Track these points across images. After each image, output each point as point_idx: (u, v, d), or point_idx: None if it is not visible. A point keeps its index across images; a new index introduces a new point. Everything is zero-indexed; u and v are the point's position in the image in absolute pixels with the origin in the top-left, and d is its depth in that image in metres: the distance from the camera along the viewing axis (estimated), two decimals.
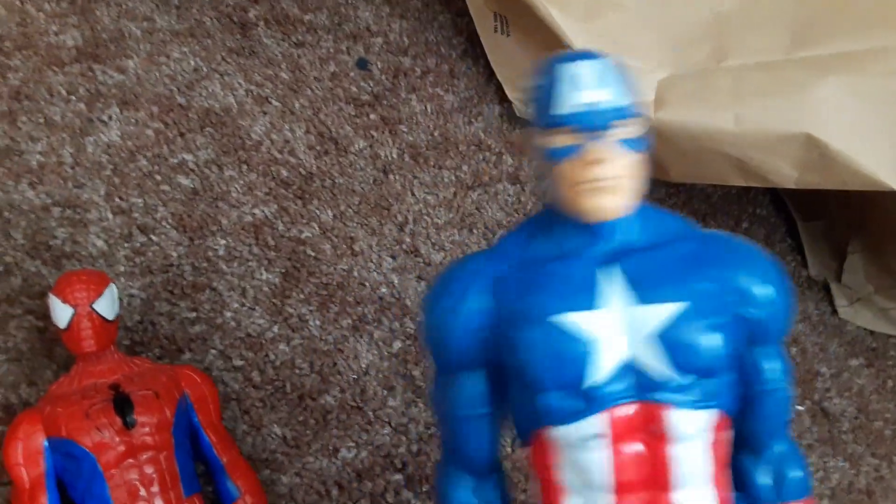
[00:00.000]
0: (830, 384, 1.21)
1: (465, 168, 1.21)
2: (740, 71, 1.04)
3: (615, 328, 0.50)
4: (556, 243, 0.53)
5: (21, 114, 0.99)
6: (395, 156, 1.16)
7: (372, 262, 1.06)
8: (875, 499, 1.12)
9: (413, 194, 1.14)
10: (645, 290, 0.50)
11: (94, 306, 0.77)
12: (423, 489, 0.94)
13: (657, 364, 0.50)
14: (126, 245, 0.95)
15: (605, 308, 0.50)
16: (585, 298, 0.51)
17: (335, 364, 0.98)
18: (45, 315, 0.87)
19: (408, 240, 1.10)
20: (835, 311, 1.30)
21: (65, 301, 0.77)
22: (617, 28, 1.11)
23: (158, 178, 1.00)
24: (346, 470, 0.92)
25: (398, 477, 0.93)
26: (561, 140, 0.50)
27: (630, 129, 0.50)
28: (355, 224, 1.08)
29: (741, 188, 1.33)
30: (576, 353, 0.50)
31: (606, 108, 0.49)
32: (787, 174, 1.02)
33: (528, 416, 0.53)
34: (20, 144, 0.97)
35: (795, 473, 0.57)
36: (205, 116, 1.07)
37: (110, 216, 0.96)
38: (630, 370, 0.50)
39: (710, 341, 0.50)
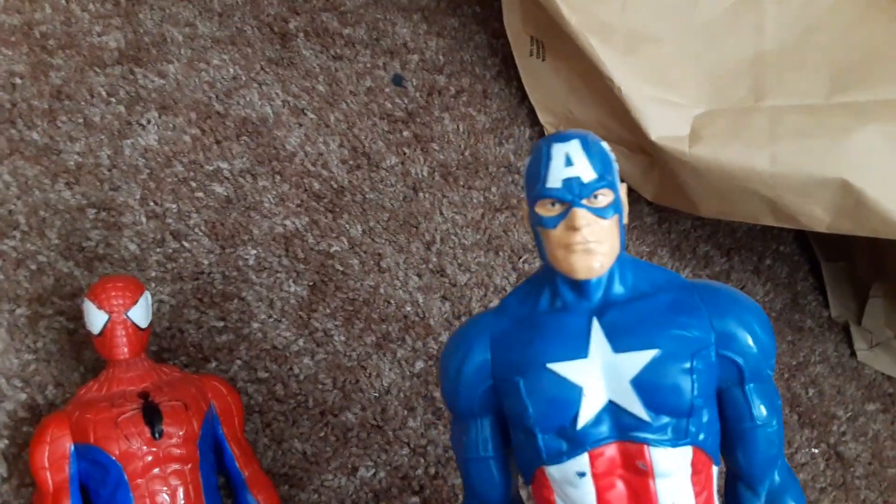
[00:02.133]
0: (846, 428, 1.21)
1: (493, 189, 1.21)
2: (778, 111, 1.04)
3: (596, 376, 0.56)
4: (549, 300, 0.60)
5: (61, 113, 0.99)
6: (425, 174, 1.17)
7: (398, 279, 1.06)
8: None
9: (441, 213, 1.15)
10: (620, 340, 0.57)
11: (129, 314, 0.78)
12: None
13: (633, 407, 0.56)
14: (158, 250, 0.95)
15: (589, 357, 0.57)
16: (574, 349, 0.57)
17: (357, 381, 0.98)
18: (76, 317, 0.87)
19: (434, 259, 1.10)
20: (853, 354, 1.30)
21: (100, 307, 0.77)
22: (656, 62, 1.11)
23: (193, 184, 1.00)
24: (364, 489, 0.92)
25: (415, 500, 0.93)
26: (547, 210, 0.58)
27: (607, 199, 0.58)
28: (383, 240, 1.08)
29: (766, 226, 1.33)
30: (567, 398, 0.56)
31: (584, 182, 0.57)
32: (819, 218, 1.02)
33: (527, 456, 0.59)
34: (59, 144, 0.97)
35: (791, 502, 0.60)
36: (241, 125, 1.07)
37: (144, 220, 0.96)
38: (610, 413, 0.56)
39: (681, 384, 0.55)
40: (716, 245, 1.33)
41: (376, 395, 0.98)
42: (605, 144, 0.60)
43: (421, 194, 1.15)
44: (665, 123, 1.10)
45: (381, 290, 1.05)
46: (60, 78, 1.02)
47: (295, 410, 0.93)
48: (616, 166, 0.60)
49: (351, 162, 1.12)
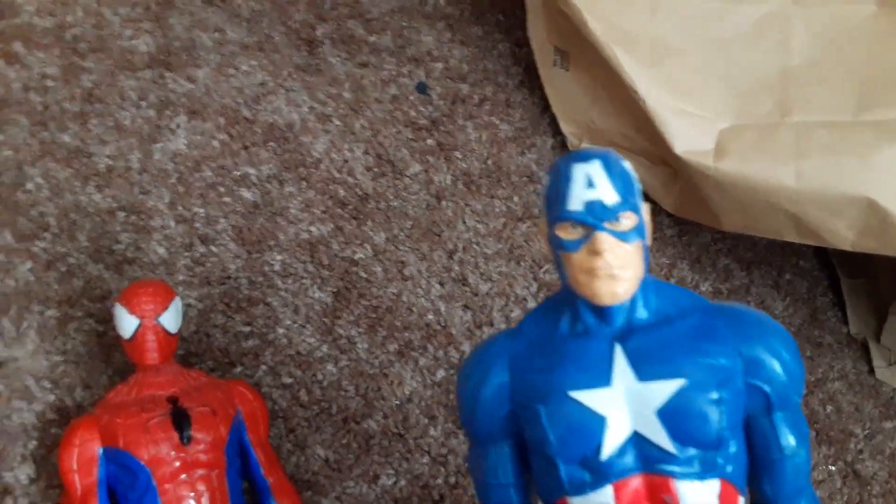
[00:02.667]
0: (863, 446, 1.21)
1: (515, 199, 1.21)
2: (805, 127, 1.04)
3: (620, 405, 0.55)
4: (570, 323, 0.58)
5: (92, 116, 1.00)
6: (448, 182, 1.17)
7: (421, 287, 1.07)
8: None
9: (464, 222, 1.15)
10: (645, 369, 0.55)
11: (160, 320, 0.78)
12: None
13: (659, 438, 0.54)
14: (186, 254, 0.96)
15: (613, 386, 0.55)
16: (597, 377, 0.55)
17: (380, 389, 0.98)
18: (105, 319, 0.88)
19: (456, 268, 1.11)
20: (872, 371, 1.29)
21: (132, 312, 0.78)
22: (681, 74, 1.11)
23: (222, 189, 1.01)
24: (385, 498, 0.92)
25: None
26: (568, 234, 0.56)
27: (630, 222, 0.56)
28: (406, 248, 1.09)
29: (788, 241, 1.32)
30: (590, 428, 0.54)
31: (606, 205, 0.55)
32: (843, 236, 1.02)
33: (548, 485, 0.57)
34: (90, 147, 0.98)
35: None
36: (269, 131, 1.08)
37: (173, 224, 0.97)
38: (635, 444, 0.55)
39: (709, 415, 0.54)
40: (736, 259, 1.33)
41: (398, 402, 0.98)
42: (627, 164, 0.58)
43: (444, 202, 1.15)
44: (690, 137, 1.10)
45: (404, 298, 1.05)
46: (92, 81, 1.03)
47: (318, 416, 0.94)
48: (639, 187, 0.59)
49: (375, 169, 1.13)
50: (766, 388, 0.56)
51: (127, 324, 0.78)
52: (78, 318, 0.88)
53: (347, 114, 1.15)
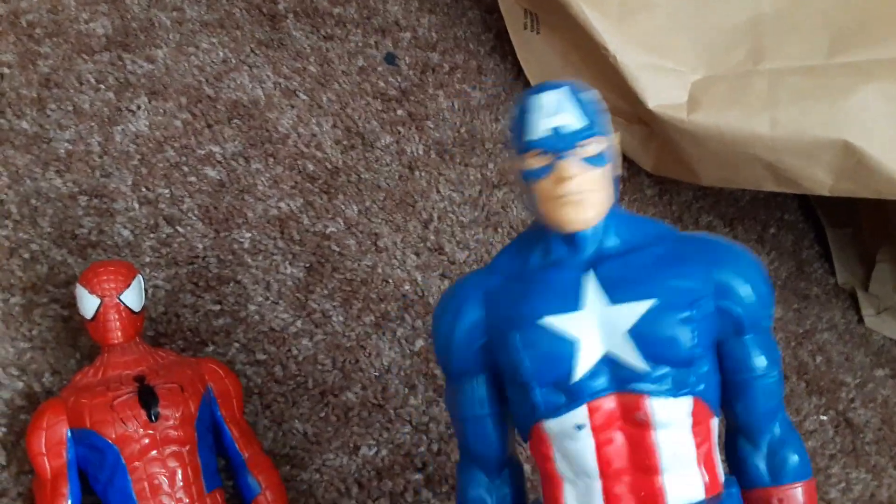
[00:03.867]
0: (855, 394, 1.20)
1: (490, 166, 1.19)
2: (777, 74, 1.02)
3: (593, 328, 0.55)
4: (541, 255, 0.59)
5: (50, 101, 0.98)
6: (421, 152, 1.15)
7: (396, 258, 1.05)
8: None
9: (438, 191, 1.13)
10: (616, 292, 0.56)
11: (122, 298, 0.77)
12: (443, 489, 0.93)
13: (632, 358, 0.55)
14: (152, 236, 0.94)
15: (584, 310, 0.56)
16: (568, 302, 0.56)
17: (357, 361, 0.97)
18: (71, 304, 0.86)
19: (432, 237, 1.09)
20: (861, 320, 1.28)
21: (92, 292, 0.77)
22: (651, 29, 1.09)
23: (185, 169, 1.00)
24: (367, 468, 0.91)
25: (418, 476, 0.93)
26: (534, 162, 0.56)
27: (594, 148, 0.56)
28: (380, 220, 1.07)
29: (769, 192, 1.31)
30: (562, 351, 0.55)
31: (570, 130, 0.55)
32: (821, 181, 1.00)
33: (524, 412, 0.58)
34: (48, 132, 0.96)
35: (792, 457, 0.59)
36: (233, 108, 1.06)
37: (137, 206, 0.96)
38: (608, 365, 0.55)
39: (680, 335, 0.55)
40: (718, 215, 1.31)
41: (377, 374, 0.97)
42: (594, 93, 0.58)
43: (417, 173, 1.14)
44: (662, 91, 1.08)
45: (379, 270, 1.04)
46: (48, 66, 1.01)
47: (294, 391, 0.93)
48: (606, 116, 0.58)
49: (345, 142, 1.11)
50: (737, 309, 0.56)
51: (88, 304, 0.77)
52: (43, 304, 0.87)
53: (314, 88, 1.13)
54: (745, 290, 0.57)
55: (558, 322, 0.56)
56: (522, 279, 0.59)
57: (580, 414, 0.55)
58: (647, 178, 1.27)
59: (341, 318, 0.99)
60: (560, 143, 0.55)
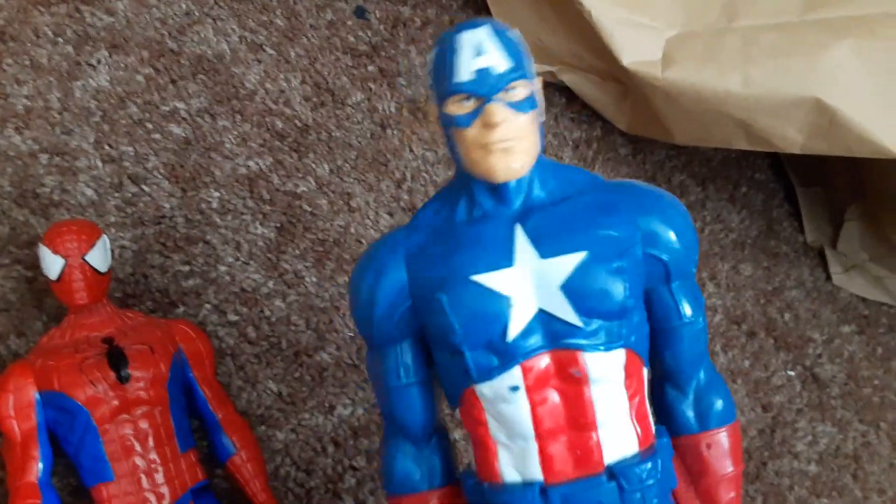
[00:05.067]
0: (822, 350, 1.22)
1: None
2: (751, 31, 1.01)
3: (524, 284, 0.53)
4: (466, 209, 0.56)
5: (6, 55, 0.94)
6: (393, 110, 1.13)
7: (369, 218, 1.04)
8: (861, 464, 1.14)
9: (411, 150, 1.12)
10: (546, 245, 0.54)
11: (86, 258, 0.75)
12: None
13: (565, 313, 0.53)
14: (116, 195, 0.92)
15: (515, 266, 0.53)
16: (499, 258, 0.54)
17: (331, 321, 0.96)
18: (35, 265, 0.84)
19: (405, 197, 1.08)
20: (829, 278, 1.30)
21: (55, 252, 0.75)
22: None
23: (149, 126, 0.97)
24: (342, 427, 0.91)
25: None
26: (458, 108, 0.53)
27: (521, 91, 0.53)
28: (352, 179, 1.06)
29: (741, 152, 1.31)
30: (495, 311, 0.53)
31: (498, 72, 0.52)
32: (793, 139, 1.01)
33: (453, 377, 0.56)
34: (5, 88, 0.93)
35: (717, 402, 0.59)
36: (197, 63, 1.03)
37: (100, 164, 0.93)
38: (541, 322, 0.53)
39: (612, 286, 0.53)
40: (691, 174, 1.31)
41: (351, 334, 0.96)
42: (517, 32, 0.55)
43: (389, 131, 1.12)
44: (637, 47, 1.07)
45: (352, 230, 1.03)
46: (3, 18, 0.96)
47: (268, 352, 0.92)
48: (530, 58, 0.55)
49: (314, 99, 1.09)
50: (664, 257, 0.56)
51: (52, 264, 0.75)
52: (5, 266, 0.84)
53: (281, 42, 1.10)
54: (671, 237, 0.56)
55: (489, 280, 0.53)
56: (448, 235, 0.55)
57: (514, 375, 0.53)
58: (620, 136, 1.27)
59: (314, 279, 0.97)
60: (487, 87, 0.51)
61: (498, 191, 0.55)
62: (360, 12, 1.18)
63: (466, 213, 0.56)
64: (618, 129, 1.23)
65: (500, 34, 0.53)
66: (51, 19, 0.99)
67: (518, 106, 0.53)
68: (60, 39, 0.97)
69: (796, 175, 1.34)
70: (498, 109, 0.51)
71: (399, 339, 0.57)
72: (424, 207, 0.58)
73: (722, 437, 0.59)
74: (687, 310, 0.57)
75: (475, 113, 0.52)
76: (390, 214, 1.06)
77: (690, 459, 0.59)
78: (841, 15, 0.99)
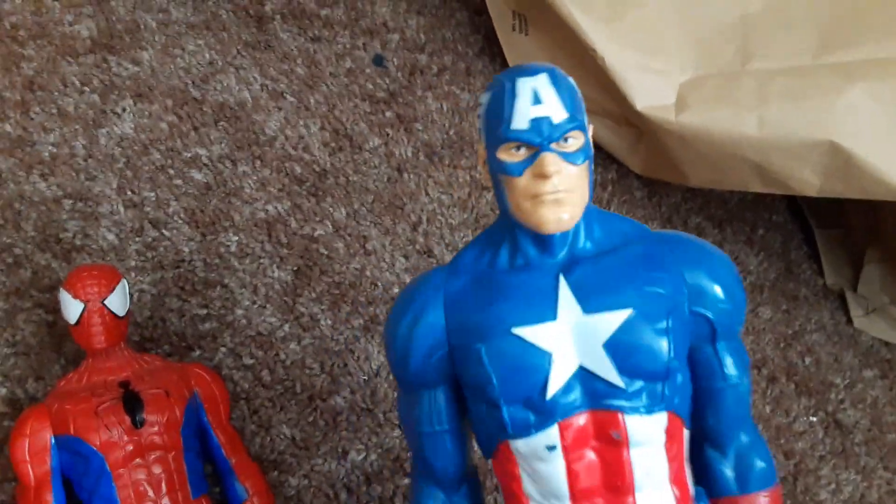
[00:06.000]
0: (844, 395, 1.20)
1: (480, 168, 1.19)
2: (766, 74, 1.02)
3: (566, 340, 0.51)
4: (509, 255, 0.55)
5: (34, 104, 0.97)
6: (409, 154, 1.15)
7: (385, 261, 1.05)
8: None
9: (427, 194, 1.13)
10: (591, 300, 0.52)
11: (106, 302, 0.76)
12: None
13: (606, 372, 0.51)
14: (137, 239, 0.94)
15: (558, 320, 0.52)
16: (541, 311, 0.52)
17: (346, 365, 0.96)
18: (55, 309, 0.85)
19: (421, 240, 1.09)
20: (850, 321, 1.28)
21: (76, 296, 0.76)
22: (639, 28, 1.09)
23: (171, 172, 0.99)
24: (355, 473, 0.90)
25: (407, 481, 0.92)
26: (511, 155, 0.52)
27: (578, 142, 0.52)
28: (368, 223, 1.07)
29: (758, 194, 1.31)
30: (535, 366, 0.51)
31: (554, 122, 0.51)
32: (809, 182, 1.00)
33: (488, 429, 0.54)
34: (32, 135, 0.95)
35: (759, 464, 0.57)
36: (219, 110, 1.05)
37: (122, 210, 0.95)
38: (581, 380, 0.52)
39: (657, 346, 0.51)
40: (707, 217, 1.31)
41: (365, 378, 0.96)
42: (572, 80, 0.53)
43: (406, 175, 1.13)
44: (650, 92, 1.08)
45: (368, 273, 1.03)
46: (32, 69, 1.00)
47: (282, 396, 0.92)
48: (584, 105, 0.54)
49: (333, 144, 1.11)
50: (711, 315, 0.54)
51: (72, 308, 0.76)
52: (27, 309, 0.85)
53: (301, 90, 1.12)
54: (719, 294, 0.54)
55: (531, 333, 0.51)
56: (489, 282, 0.54)
57: (551, 434, 0.51)
58: (636, 179, 1.27)
59: (329, 322, 0.98)
60: (542, 137, 0.50)
61: (543, 240, 0.53)
62: (378, 60, 1.21)
63: (509, 260, 0.54)
64: (633, 171, 1.24)
65: (558, 82, 0.51)
66: (78, 69, 1.02)
67: (571, 157, 0.51)
68: (87, 89, 1.01)
69: (814, 217, 1.34)
70: (552, 160, 0.50)
71: (434, 384, 0.55)
72: (465, 250, 0.57)
73: (763, 500, 0.56)
74: (731, 371, 0.55)
75: (528, 162, 0.51)
76: (406, 257, 1.07)
77: None
78: (855, 58, 0.99)
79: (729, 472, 0.57)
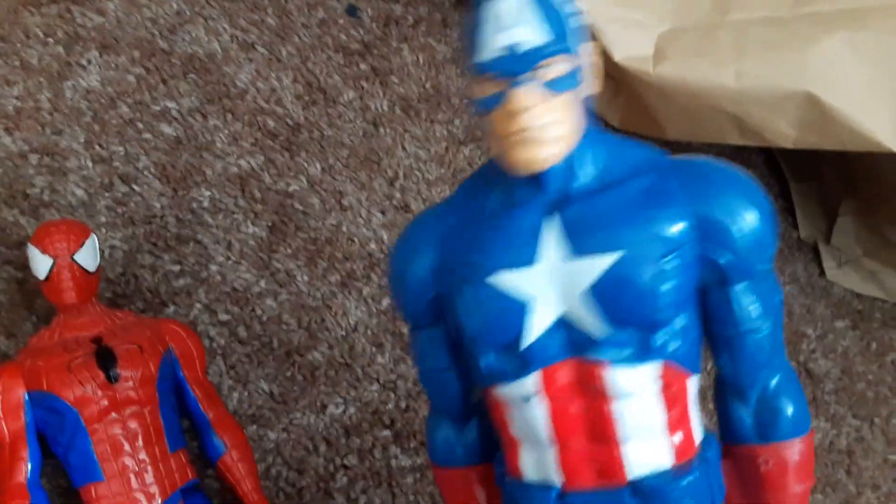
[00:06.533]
0: (816, 345, 1.22)
1: (457, 122, 1.18)
2: (744, 25, 1.01)
3: (549, 284, 0.48)
4: (502, 192, 0.50)
5: None
6: (385, 108, 1.13)
7: (361, 217, 1.04)
8: (855, 459, 1.14)
9: (404, 148, 1.12)
10: (580, 241, 0.47)
11: (75, 257, 0.75)
12: (411, 445, 0.94)
13: (591, 320, 0.47)
14: (107, 195, 0.92)
15: (541, 263, 0.48)
16: (524, 254, 0.48)
17: (323, 320, 0.96)
18: (24, 265, 0.84)
19: (398, 195, 1.08)
20: (823, 273, 1.30)
21: (44, 251, 0.75)
22: None
23: (140, 125, 0.97)
24: (334, 426, 0.91)
25: (386, 433, 0.93)
26: (485, 88, 0.47)
27: (558, 69, 0.46)
28: (344, 178, 1.06)
29: (735, 148, 1.31)
30: (511, 314, 0.48)
31: (527, 49, 0.45)
32: (785, 133, 1.00)
33: (475, 374, 0.52)
34: None
35: (786, 412, 0.51)
36: (188, 62, 1.03)
37: (90, 165, 0.92)
38: (563, 328, 0.48)
39: (646, 293, 0.46)
40: None
41: (343, 333, 0.96)
42: None
43: (381, 129, 1.12)
44: (628, 44, 1.07)
45: (344, 229, 1.02)
46: None
47: (259, 352, 0.92)
48: (579, 22, 0.48)
49: (306, 98, 1.08)
50: (722, 257, 0.48)
51: (41, 264, 0.75)
52: None
53: (272, 41, 1.09)
54: (733, 231, 0.47)
55: (509, 279, 0.48)
56: (477, 223, 0.50)
57: (531, 382, 0.49)
58: (613, 132, 1.27)
59: (306, 278, 0.97)
60: (514, 66, 0.45)
61: (535, 176, 0.48)
62: (351, 10, 1.18)
63: (501, 196, 0.50)
64: (611, 124, 1.23)
65: (534, 1, 0.45)
66: (41, 20, 0.98)
67: (553, 85, 0.45)
68: (51, 40, 0.97)
69: (790, 170, 1.34)
70: (523, 94, 0.45)
71: (431, 323, 0.53)
72: (463, 185, 0.53)
73: (785, 452, 0.51)
74: (747, 315, 0.49)
75: (498, 97, 0.46)
76: (382, 213, 1.06)
77: (746, 472, 0.53)
78: (832, 8, 0.99)
79: (749, 420, 0.52)
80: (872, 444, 1.16)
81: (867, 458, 1.14)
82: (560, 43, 0.46)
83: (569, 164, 0.48)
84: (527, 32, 0.45)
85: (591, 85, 0.49)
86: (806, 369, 1.19)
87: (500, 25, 0.45)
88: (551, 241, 0.48)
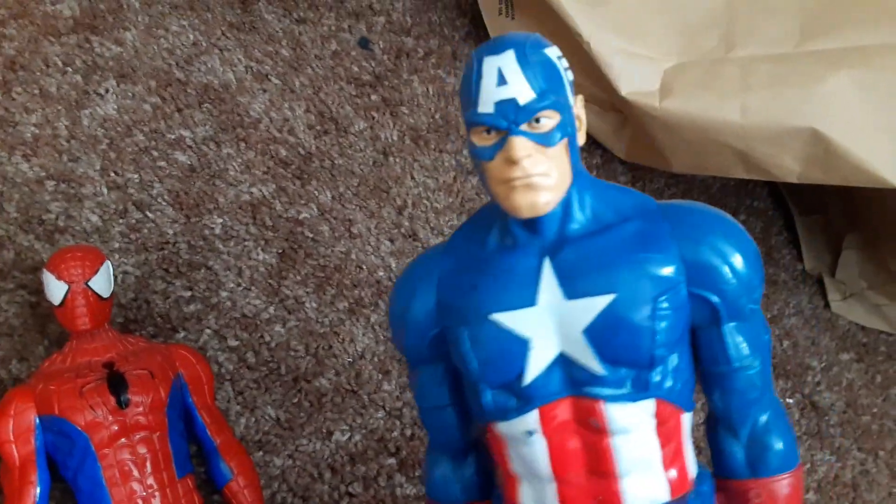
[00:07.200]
0: (821, 378, 1.22)
1: (465, 152, 1.19)
2: (749, 61, 1.03)
3: (546, 326, 0.50)
4: (499, 236, 0.53)
5: (16, 84, 0.96)
6: (395, 138, 1.15)
7: (370, 245, 1.05)
8: (860, 492, 1.13)
9: (413, 178, 1.13)
10: (574, 284, 0.50)
11: (90, 284, 0.76)
12: (416, 473, 0.94)
13: (587, 360, 0.50)
14: (121, 221, 0.93)
15: (540, 304, 0.50)
16: (524, 295, 0.51)
17: (331, 347, 0.97)
18: (38, 290, 0.85)
19: (406, 223, 1.09)
20: (827, 306, 1.30)
21: (59, 278, 0.76)
22: (625, 14, 1.10)
23: (155, 153, 0.98)
24: (340, 453, 0.91)
25: (391, 461, 0.93)
26: (483, 138, 0.49)
27: (551, 121, 0.49)
28: (354, 206, 1.07)
29: (740, 180, 1.32)
30: (512, 353, 0.51)
31: (523, 103, 0.48)
32: (790, 168, 1.02)
33: (474, 410, 0.54)
34: (14, 116, 0.94)
35: (775, 448, 0.53)
36: (203, 92, 1.05)
37: (105, 191, 0.94)
38: (561, 367, 0.51)
39: (639, 335, 0.49)
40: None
41: (350, 360, 0.97)
42: (551, 51, 0.50)
43: (391, 159, 1.13)
44: (635, 78, 1.09)
45: (353, 256, 1.04)
46: (13, 48, 0.99)
47: (267, 378, 0.93)
48: (568, 76, 0.51)
49: (318, 127, 1.10)
50: (712, 297, 0.50)
51: (56, 290, 0.76)
52: (10, 291, 0.85)
53: (286, 72, 1.12)
54: (722, 273, 0.50)
55: (509, 319, 0.50)
56: (476, 264, 0.53)
57: (531, 419, 0.51)
58: (620, 164, 1.28)
59: (314, 305, 0.98)
60: (509, 120, 0.48)
61: (531, 221, 0.51)
62: (363, 43, 1.20)
63: (498, 240, 0.53)
64: (617, 157, 1.25)
65: (526, 58, 0.48)
66: (60, 49, 1.01)
67: (544, 139, 0.48)
68: (69, 69, 1.00)
69: (795, 203, 1.35)
70: (521, 144, 0.48)
71: (431, 361, 0.55)
72: (460, 228, 0.56)
73: (775, 487, 0.53)
74: (738, 353, 0.52)
75: (498, 146, 0.48)
76: (391, 241, 1.07)
77: None
78: (837, 46, 1.00)
79: (740, 455, 0.54)
80: (877, 478, 1.15)
81: (872, 491, 1.14)
82: (554, 96, 0.49)
83: (564, 209, 0.51)
84: (520, 89, 0.48)
85: (581, 133, 0.52)
86: (811, 402, 1.19)
87: (494, 82, 0.48)
88: (549, 282, 0.51)
